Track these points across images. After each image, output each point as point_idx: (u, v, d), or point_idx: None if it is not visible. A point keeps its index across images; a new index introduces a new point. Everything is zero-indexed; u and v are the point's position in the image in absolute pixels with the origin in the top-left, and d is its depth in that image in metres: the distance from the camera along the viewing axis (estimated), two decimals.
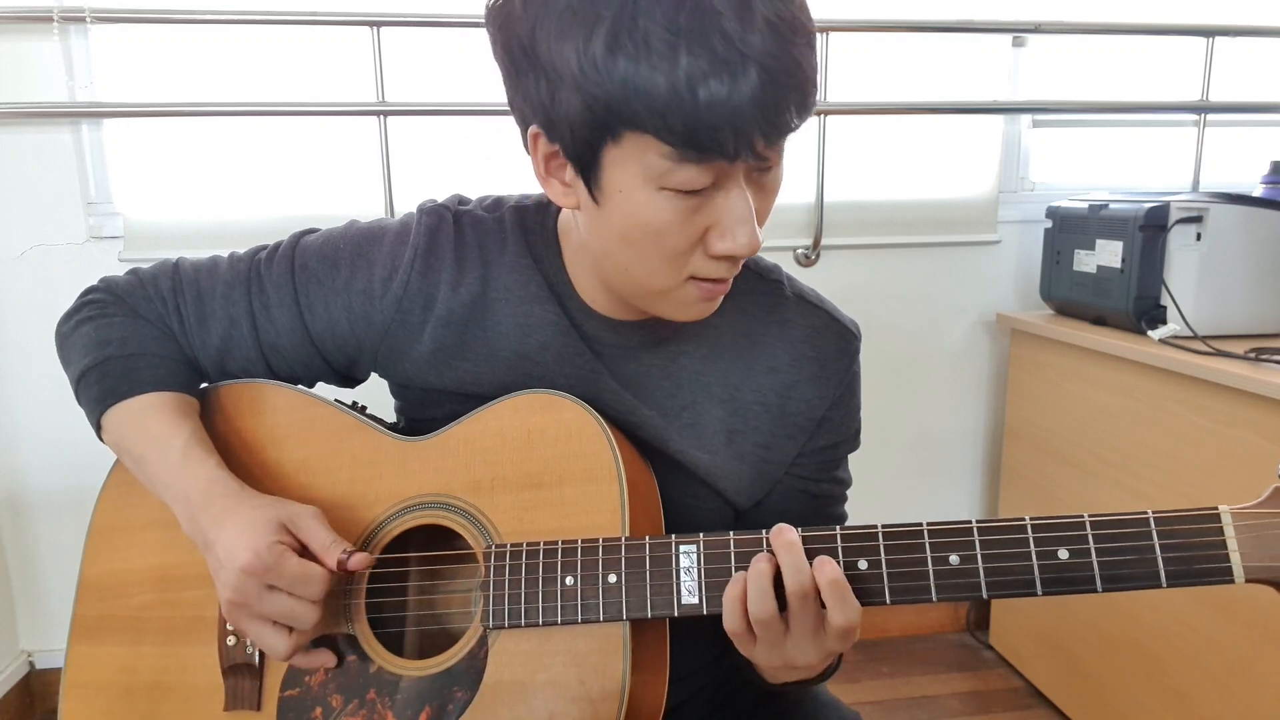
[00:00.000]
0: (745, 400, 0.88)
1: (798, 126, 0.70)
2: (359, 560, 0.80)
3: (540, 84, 0.71)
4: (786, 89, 0.67)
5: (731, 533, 0.75)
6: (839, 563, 0.72)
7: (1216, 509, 0.68)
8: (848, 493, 0.96)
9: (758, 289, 0.90)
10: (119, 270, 0.96)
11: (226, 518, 0.79)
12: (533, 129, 0.75)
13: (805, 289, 0.93)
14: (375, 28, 1.85)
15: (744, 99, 0.65)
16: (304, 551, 0.80)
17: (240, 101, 1.87)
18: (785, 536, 0.73)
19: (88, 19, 1.76)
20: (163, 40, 1.86)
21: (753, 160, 0.70)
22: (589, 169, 0.73)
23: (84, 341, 0.89)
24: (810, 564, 0.71)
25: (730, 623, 0.73)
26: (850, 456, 0.95)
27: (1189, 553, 0.68)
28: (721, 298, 0.80)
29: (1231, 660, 1.53)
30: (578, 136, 0.71)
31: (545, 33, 0.69)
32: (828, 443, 0.91)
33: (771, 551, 0.73)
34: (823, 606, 0.71)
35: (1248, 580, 0.67)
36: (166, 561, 0.89)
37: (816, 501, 0.93)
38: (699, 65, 0.64)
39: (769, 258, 0.94)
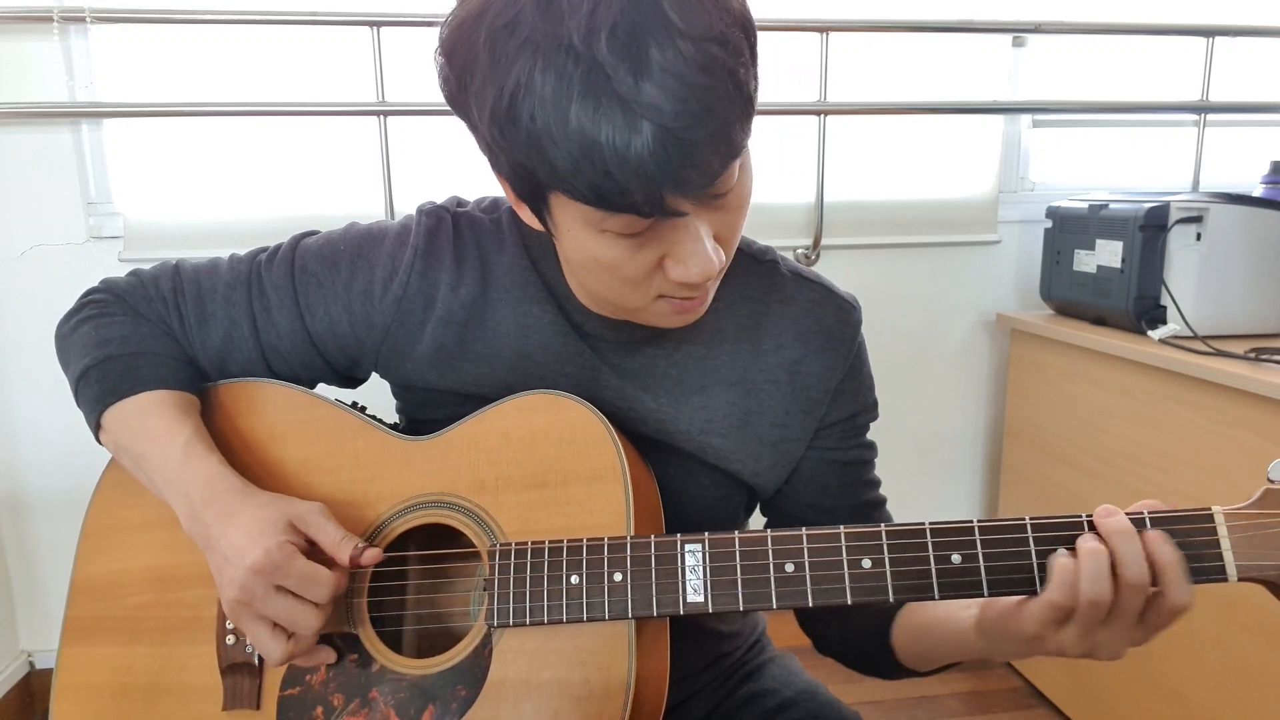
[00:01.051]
0: (757, 381, 0.89)
1: (725, 169, 0.66)
2: (371, 555, 0.80)
3: (478, 138, 0.72)
4: (695, 143, 0.62)
5: (736, 532, 0.76)
6: (844, 560, 0.73)
7: (1209, 509, 0.70)
8: (875, 459, 0.96)
9: (754, 270, 0.91)
10: (119, 270, 0.95)
11: (231, 515, 0.79)
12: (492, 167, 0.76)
13: (800, 267, 0.94)
14: (375, 28, 1.85)
15: (642, 160, 0.62)
16: (311, 550, 0.79)
17: (240, 101, 1.87)
18: (1119, 522, 0.69)
19: (88, 19, 1.76)
20: (163, 40, 1.86)
21: (672, 216, 0.68)
22: (539, 211, 0.73)
23: (84, 341, 0.89)
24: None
25: (1062, 596, 0.68)
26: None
27: (1183, 551, 0.69)
28: (701, 308, 0.79)
29: (1231, 660, 1.53)
30: (517, 188, 0.72)
31: (467, 93, 0.69)
32: (846, 414, 0.91)
33: (1094, 531, 0.70)
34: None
35: (1240, 579, 0.69)
36: (163, 562, 0.89)
37: (849, 469, 0.93)
38: (590, 127, 0.62)
39: None
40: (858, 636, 0.92)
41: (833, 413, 0.91)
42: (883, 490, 0.98)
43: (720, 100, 0.63)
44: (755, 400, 0.89)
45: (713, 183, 0.66)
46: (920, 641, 0.86)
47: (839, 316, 0.91)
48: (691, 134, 0.62)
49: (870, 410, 0.94)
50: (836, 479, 0.92)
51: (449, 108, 0.74)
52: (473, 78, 0.67)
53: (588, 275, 0.76)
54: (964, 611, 0.78)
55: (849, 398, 0.91)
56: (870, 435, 0.95)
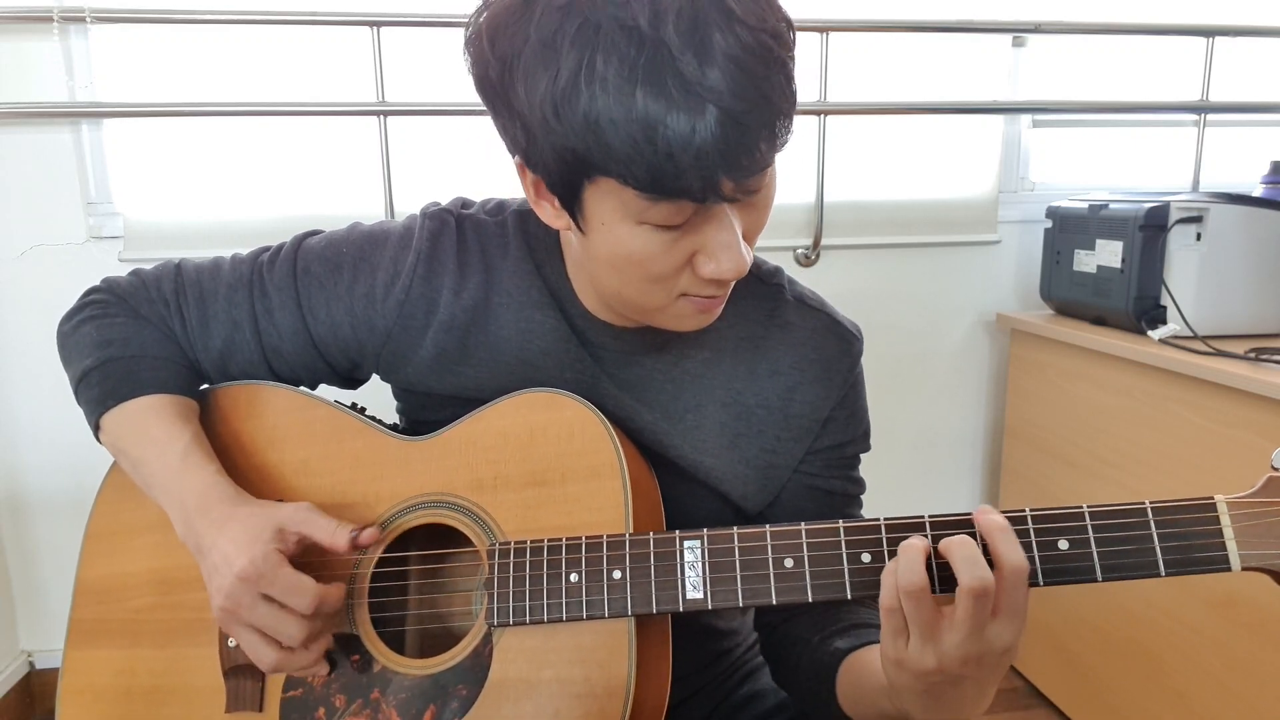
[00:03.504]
0: (748, 404, 0.88)
1: (771, 160, 0.68)
2: (369, 534, 0.81)
3: (515, 126, 0.71)
4: (751, 128, 0.64)
5: (735, 528, 0.75)
6: (843, 555, 0.72)
7: (1213, 499, 0.69)
8: (862, 496, 0.95)
9: (759, 293, 0.90)
10: (119, 270, 0.95)
11: (223, 524, 0.79)
12: (517, 159, 0.75)
13: (806, 292, 0.93)
14: (375, 28, 1.85)
15: (705, 143, 0.63)
16: (301, 558, 0.80)
17: (240, 101, 1.87)
18: (993, 520, 0.67)
19: (88, 19, 1.76)
20: (163, 40, 1.85)
21: (724, 201, 0.68)
22: (571, 203, 0.72)
23: (85, 342, 0.89)
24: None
25: (886, 600, 0.67)
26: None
27: (1186, 542, 0.69)
28: (720, 308, 0.80)
29: (1231, 660, 1.53)
30: (554, 177, 0.71)
31: (512, 77, 0.68)
32: (834, 441, 0.91)
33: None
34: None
35: (1244, 568, 0.68)
36: (166, 564, 0.89)
37: (830, 498, 0.92)
38: (655, 110, 0.62)
39: (769, 258, 0.94)
40: (808, 672, 0.87)
41: (821, 440, 0.90)
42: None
43: (775, 89, 0.65)
44: (746, 423, 0.88)
45: (762, 170, 0.68)
46: (853, 685, 0.81)
47: (839, 347, 0.90)
48: (750, 119, 0.64)
49: (860, 441, 0.93)
50: (814, 506, 0.91)
51: (480, 96, 0.73)
52: (519, 62, 0.67)
53: (613, 272, 0.76)
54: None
55: (839, 426, 0.91)
56: (860, 471, 0.95)
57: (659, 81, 0.62)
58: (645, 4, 0.62)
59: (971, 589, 0.63)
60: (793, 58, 0.67)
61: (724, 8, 0.63)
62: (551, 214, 0.77)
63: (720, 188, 0.66)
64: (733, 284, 0.78)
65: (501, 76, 0.69)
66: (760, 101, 0.64)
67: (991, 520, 0.67)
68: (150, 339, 0.90)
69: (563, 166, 0.69)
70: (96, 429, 0.89)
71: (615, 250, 0.73)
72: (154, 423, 0.86)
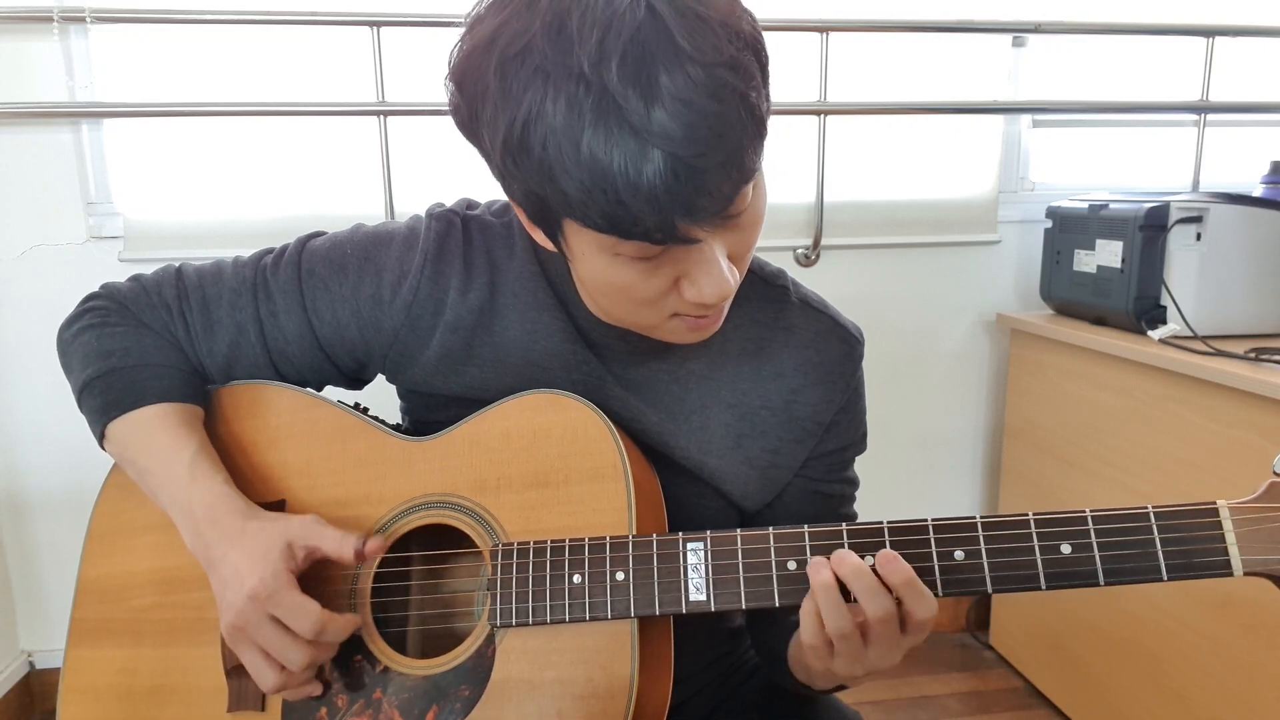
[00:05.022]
0: (752, 405, 0.88)
1: (736, 195, 0.66)
2: (374, 545, 0.80)
3: (490, 165, 0.72)
4: (706, 170, 0.62)
5: (739, 530, 0.76)
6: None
7: (1215, 504, 0.70)
8: (856, 493, 0.97)
9: (763, 295, 0.90)
10: (119, 270, 0.95)
11: (233, 538, 0.79)
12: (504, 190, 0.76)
13: (810, 294, 0.93)
14: (375, 28, 1.85)
15: (654, 188, 0.61)
16: (308, 574, 0.80)
17: (240, 101, 1.87)
18: (850, 564, 0.70)
19: (88, 19, 1.76)
20: (163, 40, 1.86)
21: (686, 243, 0.67)
22: (553, 235, 0.73)
23: (86, 351, 0.88)
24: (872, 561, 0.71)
25: (809, 635, 0.73)
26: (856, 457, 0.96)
27: (1188, 546, 0.69)
28: (717, 324, 0.79)
29: (1231, 660, 1.54)
30: (530, 213, 0.72)
31: (478, 121, 0.68)
32: (837, 446, 0.92)
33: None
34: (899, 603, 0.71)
35: (1245, 573, 0.69)
36: (168, 564, 0.89)
37: (829, 501, 0.93)
38: (602, 156, 0.61)
39: (769, 258, 0.94)
40: (772, 650, 0.93)
41: (824, 444, 0.91)
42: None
43: (731, 125, 0.62)
44: (749, 424, 0.89)
45: (725, 208, 0.66)
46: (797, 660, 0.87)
47: (841, 350, 0.91)
48: (703, 161, 0.62)
49: (860, 443, 0.95)
50: (814, 509, 0.92)
51: (460, 133, 0.74)
52: (484, 106, 0.67)
53: (602, 297, 0.77)
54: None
55: (842, 430, 0.92)
56: (855, 469, 0.96)
57: (605, 127, 0.61)
58: (591, 48, 0.61)
59: (879, 619, 0.70)
60: (755, 85, 0.65)
61: (672, 46, 0.61)
62: (544, 240, 0.77)
63: (677, 231, 0.65)
64: (728, 302, 0.77)
65: (470, 119, 0.70)
66: (714, 141, 0.62)
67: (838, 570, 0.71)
68: (152, 347, 0.89)
69: (532, 206, 0.70)
70: (101, 438, 0.88)
71: (598, 278, 0.73)
72: (159, 433, 0.85)
